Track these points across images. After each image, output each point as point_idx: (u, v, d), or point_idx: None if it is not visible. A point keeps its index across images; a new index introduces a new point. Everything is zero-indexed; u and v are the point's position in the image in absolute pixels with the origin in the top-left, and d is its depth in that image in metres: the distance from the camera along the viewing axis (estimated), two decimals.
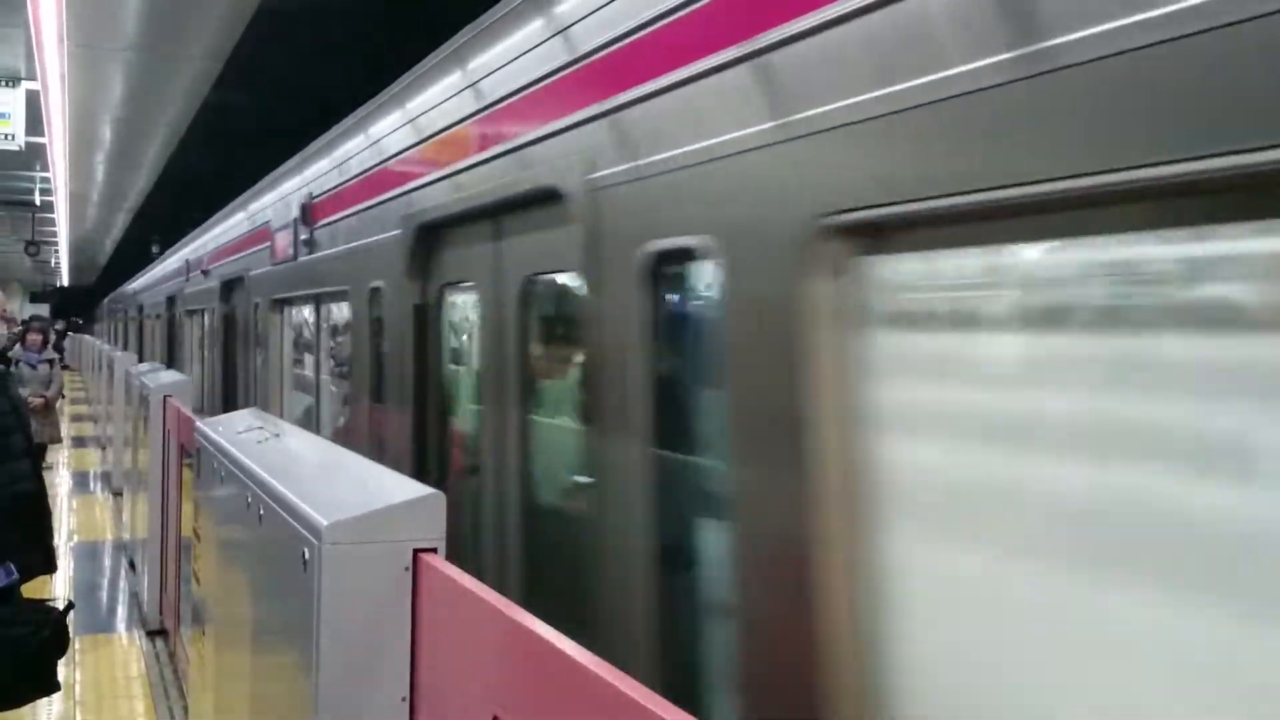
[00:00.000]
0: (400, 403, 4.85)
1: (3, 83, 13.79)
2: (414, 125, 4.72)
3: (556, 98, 3.27)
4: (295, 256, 7.27)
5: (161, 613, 6.84)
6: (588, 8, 3.12)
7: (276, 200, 8.21)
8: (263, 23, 9.42)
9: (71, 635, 4.21)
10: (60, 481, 13.09)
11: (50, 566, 4.56)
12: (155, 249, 23.66)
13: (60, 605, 4.24)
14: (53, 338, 14.17)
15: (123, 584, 8.40)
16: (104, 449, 14.18)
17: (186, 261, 14.40)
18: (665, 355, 2.80)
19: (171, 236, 18.75)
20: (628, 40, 2.87)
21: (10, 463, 4.25)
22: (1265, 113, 1.32)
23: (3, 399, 4.35)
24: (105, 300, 28.40)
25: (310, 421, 7.42)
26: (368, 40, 10.42)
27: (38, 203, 24.08)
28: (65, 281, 50.59)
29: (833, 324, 2.10)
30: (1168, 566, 1.56)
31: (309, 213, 6.85)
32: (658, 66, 2.70)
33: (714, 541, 2.57)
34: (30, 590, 4.48)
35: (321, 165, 6.74)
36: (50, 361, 11.57)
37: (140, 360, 13.47)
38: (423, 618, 1.97)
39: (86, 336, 31.75)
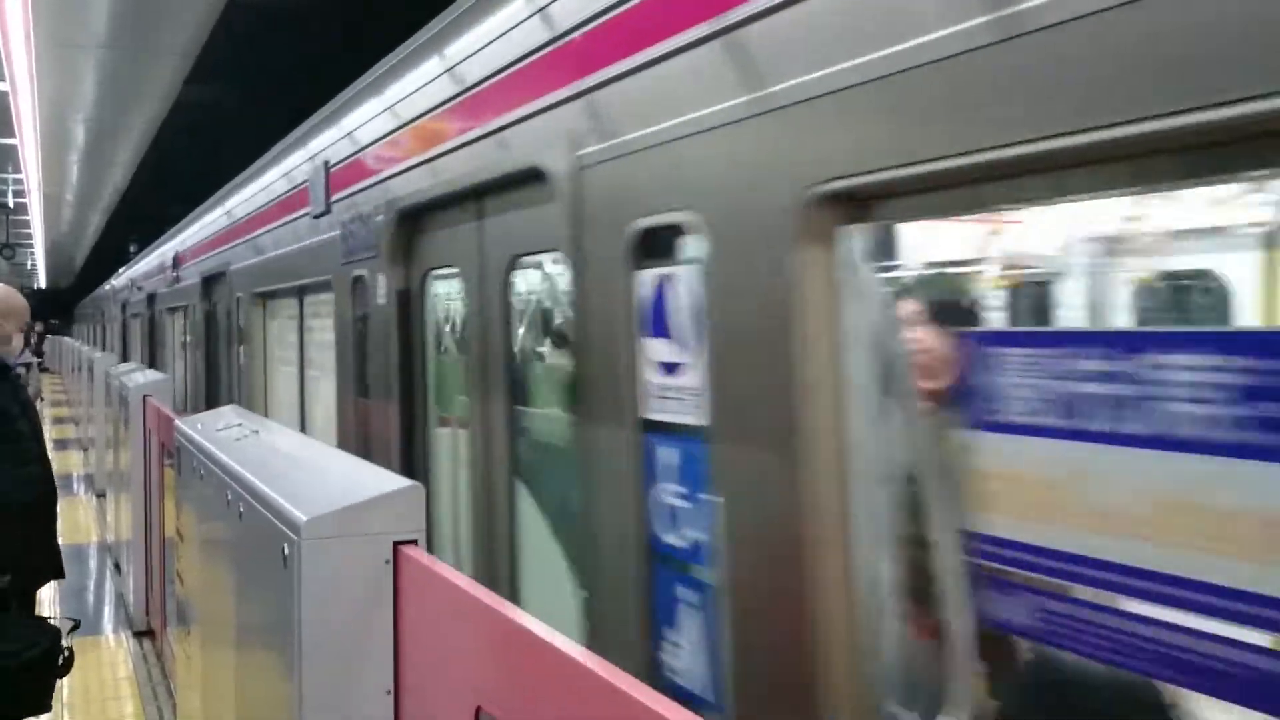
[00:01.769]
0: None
1: None
2: None
3: None
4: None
5: (148, 613, 6.82)
6: None
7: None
8: (234, 16, 9.35)
9: (72, 654, 4.06)
10: None
11: (58, 573, 4.50)
12: (133, 249, 23.48)
13: (58, 622, 4.15)
14: (32, 340, 14.05)
15: (109, 586, 8.36)
16: (86, 451, 14.09)
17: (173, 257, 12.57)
18: None
19: (148, 236, 18.62)
20: None
21: (22, 468, 4.19)
22: None
23: (14, 404, 4.30)
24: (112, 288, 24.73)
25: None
26: (341, 29, 10.34)
27: (10, 204, 23.87)
28: (42, 284, 50.24)
29: None
30: None
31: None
32: None
33: None
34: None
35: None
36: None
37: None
38: (405, 610, 1.95)
39: (66, 338, 31.53)
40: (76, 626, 4.15)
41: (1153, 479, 1.51)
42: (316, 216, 5.79)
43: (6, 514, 4.04)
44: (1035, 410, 1.68)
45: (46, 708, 3.98)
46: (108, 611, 7.66)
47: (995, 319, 3.40)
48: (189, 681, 3.72)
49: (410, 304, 4.37)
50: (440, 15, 4.16)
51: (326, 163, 5.60)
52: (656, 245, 2.52)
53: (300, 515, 1.98)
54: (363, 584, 1.95)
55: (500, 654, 1.64)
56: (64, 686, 5.89)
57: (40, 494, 4.31)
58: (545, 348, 3.85)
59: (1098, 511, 1.59)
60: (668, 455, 2.44)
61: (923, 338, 2.42)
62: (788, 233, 2.03)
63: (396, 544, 1.96)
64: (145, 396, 6.68)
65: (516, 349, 3.71)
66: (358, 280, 4.85)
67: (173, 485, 4.73)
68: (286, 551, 2.02)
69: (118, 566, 8.44)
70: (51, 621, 4.17)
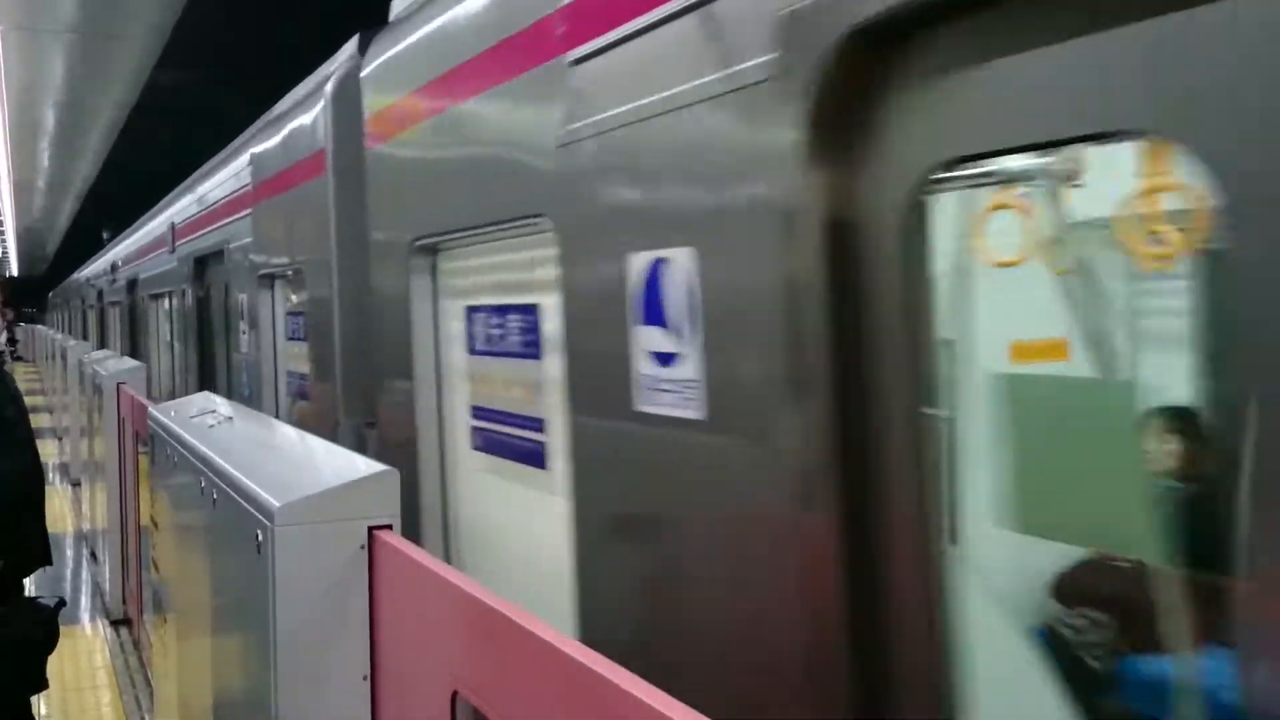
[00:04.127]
0: None
1: None
2: None
3: None
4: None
5: (125, 602, 6.78)
6: None
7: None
8: None
9: (59, 632, 4.17)
10: None
11: (46, 559, 4.51)
12: (106, 235, 23.22)
13: (48, 602, 4.20)
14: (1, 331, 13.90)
15: (85, 575, 8.31)
16: (60, 439, 13.98)
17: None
18: None
19: (122, 222, 18.38)
20: None
21: (10, 459, 4.16)
22: None
23: (1, 391, 4.26)
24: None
25: None
26: (313, 9, 10.23)
27: None
28: (15, 271, 49.79)
29: None
30: None
31: None
32: None
33: None
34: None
35: None
36: None
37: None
38: (381, 596, 1.94)
39: (40, 326, 31.21)
40: (63, 605, 4.21)
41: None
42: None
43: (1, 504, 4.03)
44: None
45: (45, 684, 4.11)
46: (84, 600, 7.61)
47: None
48: (166, 670, 3.70)
49: (871, 245, 1.84)
50: None
51: None
52: None
53: (273, 501, 1.96)
54: (338, 570, 1.94)
55: (477, 638, 1.63)
56: None
57: (32, 484, 4.31)
58: None
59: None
60: None
61: None
62: None
63: (371, 529, 1.95)
64: (119, 384, 6.63)
65: None
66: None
67: (147, 473, 4.69)
68: (260, 538, 2.00)
69: (94, 555, 8.38)
70: (41, 601, 4.23)
